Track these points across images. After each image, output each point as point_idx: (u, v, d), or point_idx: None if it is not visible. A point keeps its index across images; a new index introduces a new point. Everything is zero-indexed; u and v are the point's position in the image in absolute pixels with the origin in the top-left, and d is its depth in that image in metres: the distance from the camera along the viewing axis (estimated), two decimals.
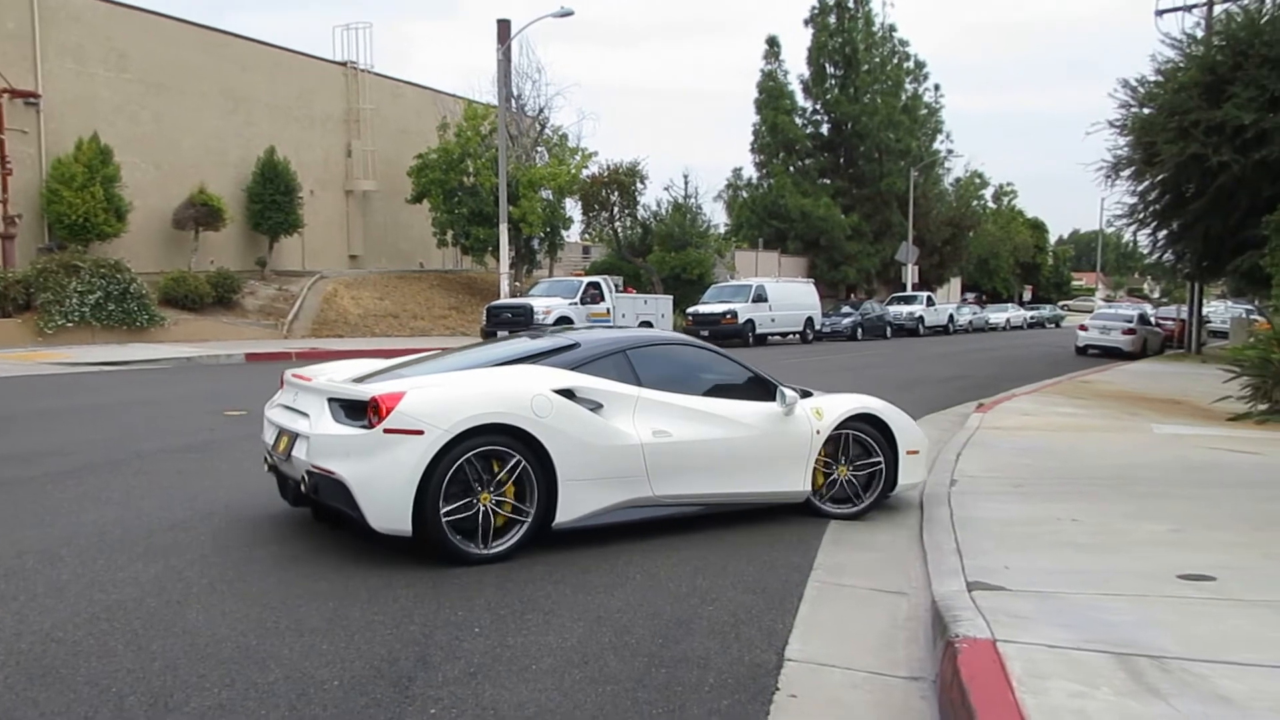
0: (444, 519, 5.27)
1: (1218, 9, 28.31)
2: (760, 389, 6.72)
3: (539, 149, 35.41)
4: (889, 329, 38.65)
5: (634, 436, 5.91)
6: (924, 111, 56.70)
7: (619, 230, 38.26)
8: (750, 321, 30.90)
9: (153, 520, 6.26)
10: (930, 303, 45.01)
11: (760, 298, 31.83)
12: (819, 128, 54.35)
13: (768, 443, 6.49)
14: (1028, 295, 74.28)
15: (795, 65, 56.36)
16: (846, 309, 39.82)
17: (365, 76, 34.57)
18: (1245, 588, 4.92)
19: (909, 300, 44.16)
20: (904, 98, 54.92)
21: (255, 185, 28.99)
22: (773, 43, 53.20)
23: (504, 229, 28.81)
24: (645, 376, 6.23)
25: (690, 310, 31.53)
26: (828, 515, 6.74)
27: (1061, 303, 77.77)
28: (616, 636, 4.41)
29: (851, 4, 53.23)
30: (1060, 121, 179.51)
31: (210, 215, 27.02)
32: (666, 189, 42.35)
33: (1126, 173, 26.34)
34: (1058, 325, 58.90)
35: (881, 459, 6.89)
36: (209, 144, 28.95)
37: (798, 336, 33.71)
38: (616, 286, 28.13)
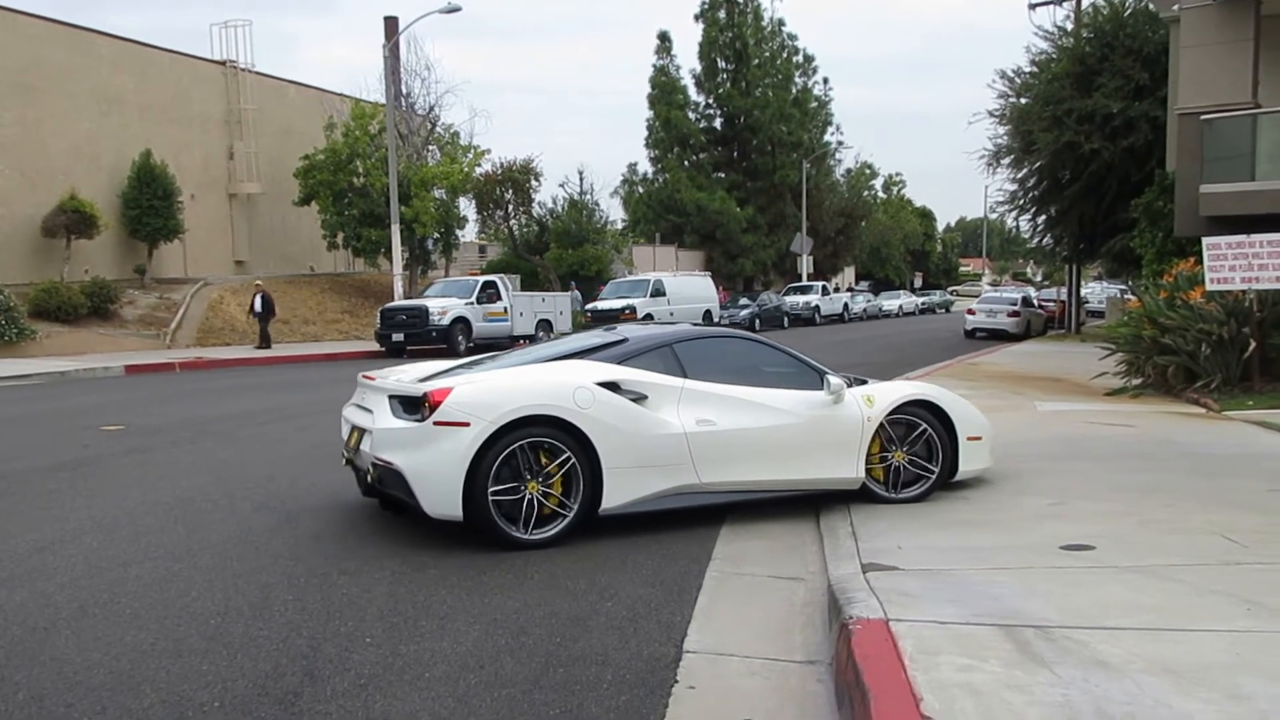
0: (493, 505, 5.57)
1: (1085, 2, 29.53)
2: (807, 378, 6.74)
3: (430, 148, 34.83)
4: (786, 319, 39.24)
5: (677, 426, 6.08)
6: (814, 104, 57.78)
7: (515, 228, 37.93)
8: (649, 316, 30.94)
9: (18, 544, 5.91)
10: (825, 292, 45.88)
11: (659, 292, 31.96)
12: (712, 122, 54.87)
13: (814, 430, 6.50)
14: (918, 282, 76.45)
15: (687, 60, 56.87)
16: (744, 300, 40.31)
17: (246, 76, 33.47)
18: (1122, 555, 5.11)
19: (805, 290, 44.94)
20: (794, 91, 55.84)
21: (131, 190, 27.78)
22: (664, 38, 53.54)
23: (396, 230, 28.26)
24: (691, 368, 6.41)
25: (589, 306, 31.46)
26: (884, 500, 6.72)
27: (950, 288, 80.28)
28: (513, 638, 4.33)
29: None
30: (945, 112, 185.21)
31: (83, 222, 25.77)
32: (562, 186, 42.09)
33: (1007, 161, 27.32)
34: (947, 310, 60.75)
35: (939, 445, 6.87)
36: (80, 148, 27.62)
37: None
38: (514, 285, 27.85)
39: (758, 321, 36.95)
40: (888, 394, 6.87)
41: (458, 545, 5.79)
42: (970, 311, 32.99)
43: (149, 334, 25.34)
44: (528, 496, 5.67)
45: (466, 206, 35.77)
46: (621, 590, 5.01)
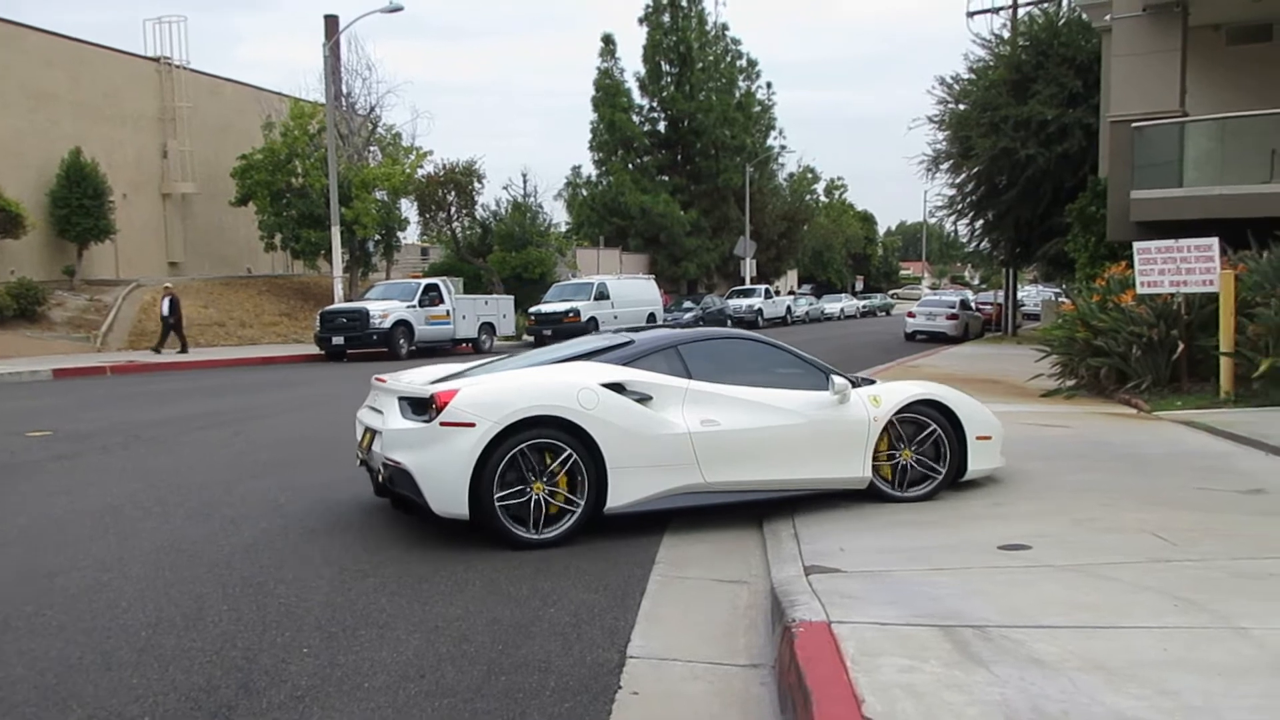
0: (498, 504, 5.68)
1: (1021, 11, 30.17)
2: (813, 378, 6.79)
3: (371, 148, 34.42)
4: (729, 322, 39.40)
5: (682, 426, 6.14)
6: (757, 108, 58.15)
7: (457, 231, 37.60)
8: (593, 319, 30.91)
9: None
10: (768, 295, 46.26)
11: (602, 295, 31.91)
12: (656, 125, 54.96)
13: (820, 430, 6.55)
14: (860, 285, 77.42)
15: (631, 63, 56.90)
16: (688, 304, 40.44)
17: (181, 73, 32.75)
18: (1058, 554, 5.20)
19: (748, 293, 45.24)
20: (738, 95, 56.15)
21: (60, 189, 27.01)
22: (608, 40, 53.47)
23: (336, 231, 27.87)
24: (696, 369, 6.48)
25: (532, 310, 31.31)
26: (893, 499, 6.76)
27: (891, 291, 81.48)
28: (455, 646, 4.27)
29: (685, 3, 54.02)
30: (886, 117, 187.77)
31: (8, 222, 24.95)
32: (505, 188, 41.91)
33: (946, 166, 27.82)
34: (888, 313, 61.62)
35: (946, 444, 6.90)
36: (7, 145, 26.77)
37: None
38: (456, 288, 27.60)
39: (702, 324, 37.10)
40: (895, 394, 6.93)
41: (399, 552, 5.72)
42: (910, 314, 33.49)
43: (79, 337, 24.66)
44: (533, 496, 5.78)
45: (408, 208, 35.41)
46: (565, 595, 4.97)
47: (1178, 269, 11.72)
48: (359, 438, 6.54)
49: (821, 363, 7.06)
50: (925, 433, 6.89)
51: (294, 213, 31.04)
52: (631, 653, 4.24)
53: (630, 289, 34.01)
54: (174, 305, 23.75)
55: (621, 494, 5.95)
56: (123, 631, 4.42)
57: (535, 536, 5.78)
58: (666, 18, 53.47)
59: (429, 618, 4.62)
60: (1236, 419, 9.86)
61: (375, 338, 23.63)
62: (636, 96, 54.39)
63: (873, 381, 7.30)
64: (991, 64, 26.58)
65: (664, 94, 53.66)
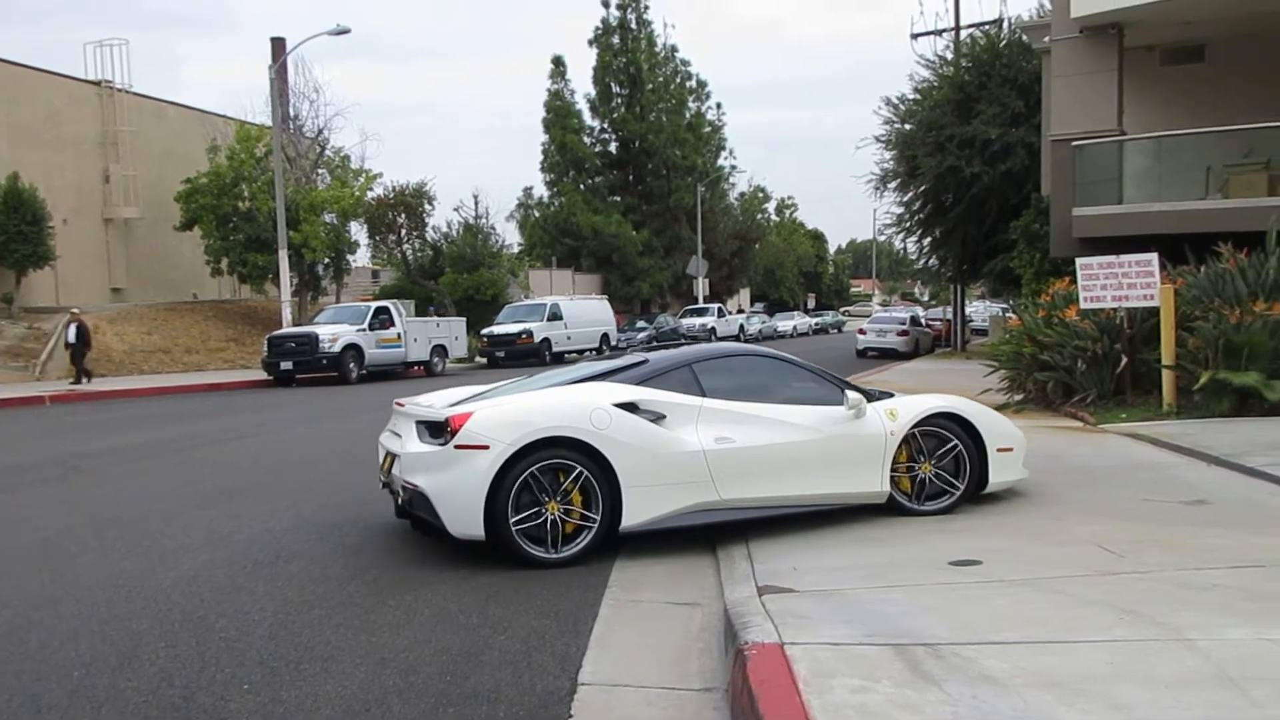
0: (514, 526, 5.74)
1: (964, 33, 30.74)
2: (828, 393, 6.80)
3: (320, 171, 34.10)
4: (684, 340, 39.53)
5: (696, 444, 6.16)
6: (708, 129, 58.60)
7: (408, 253, 37.32)
8: (546, 340, 30.85)
9: None
10: (721, 314, 46.48)
11: (555, 316, 31.84)
12: (607, 146, 55.16)
13: (835, 445, 6.55)
14: (811, 303, 78.08)
15: (582, 85, 56.92)
16: (641, 323, 40.51)
17: (123, 96, 32.22)
18: (1007, 568, 5.22)
19: (701, 312, 45.42)
20: (688, 116, 56.56)
21: None
22: (558, 62, 53.67)
23: (284, 255, 27.51)
24: (710, 387, 6.51)
25: (485, 331, 31.15)
26: (913, 513, 6.73)
27: (842, 309, 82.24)
28: (402, 678, 4.17)
29: (634, 25, 54.41)
30: (834, 137, 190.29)
31: None
32: (456, 210, 41.69)
33: (893, 184, 28.17)
34: (840, 330, 62.17)
35: (966, 457, 6.88)
36: None
37: (594, 353, 33.92)
38: (408, 310, 27.34)
39: (655, 344, 37.14)
40: (912, 407, 6.92)
41: (346, 582, 5.60)
42: (861, 331, 33.80)
43: (16, 366, 24.02)
44: (549, 516, 5.82)
45: (358, 231, 35.09)
46: (515, 622, 4.89)
47: (1119, 284, 11.93)
48: (380, 461, 6.62)
49: (837, 377, 7.08)
50: (945, 446, 6.89)
51: (241, 236, 30.62)
52: (583, 679, 4.17)
53: (583, 310, 33.98)
54: (81, 332, 22.32)
55: (636, 513, 5.98)
56: (54, 672, 4.26)
57: (551, 556, 5.82)
58: (616, 39, 53.79)
59: (376, 649, 4.52)
60: (1179, 431, 10.04)
61: (325, 362, 23.31)
62: (587, 118, 54.63)
63: (891, 395, 7.31)
64: (936, 85, 27.01)
65: (614, 115, 53.90)
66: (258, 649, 4.53)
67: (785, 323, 56.30)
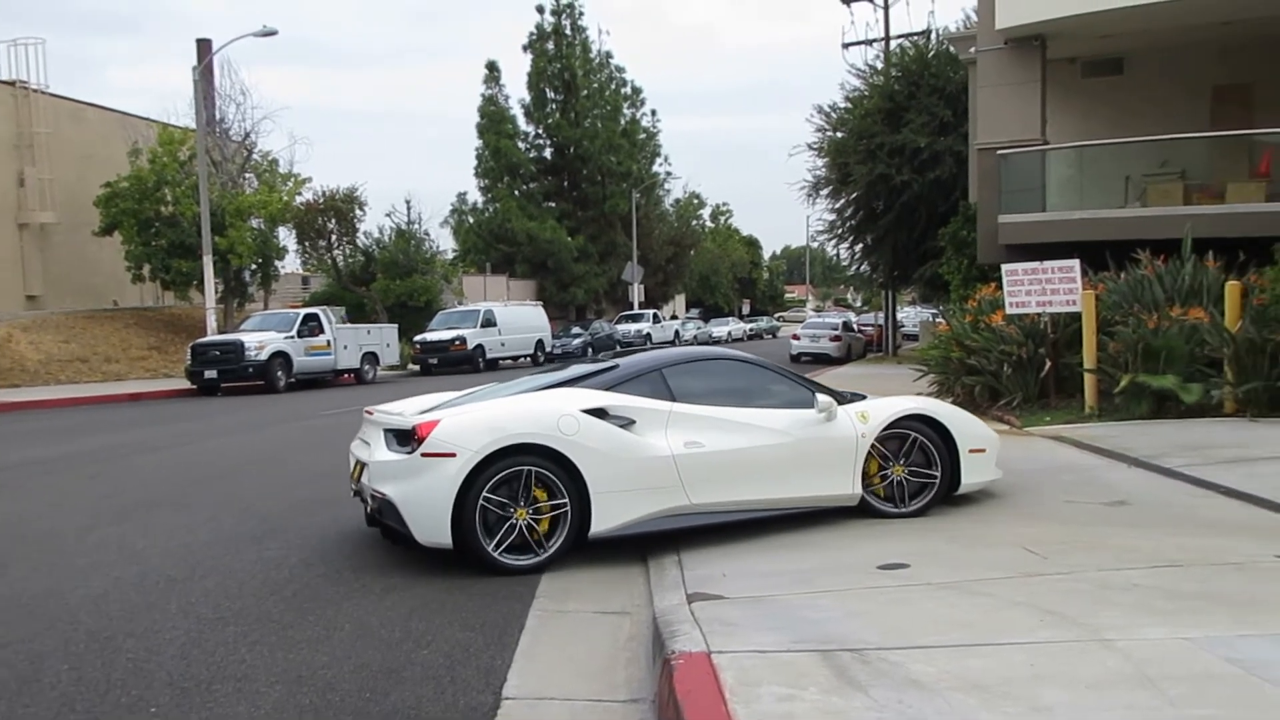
0: (481, 533, 5.71)
1: (894, 44, 31.25)
2: (799, 396, 6.79)
3: (247, 175, 33.35)
4: (619, 347, 39.51)
5: (665, 449, 6.15)
6: (643, 135, 58.64)
7: (339, 259, 36.69)
8: (480, 347, 30.56)
9: None
10: (657, 319, 46.56)
11: (489, 322, 31.57)
12: (542, 151, 54.92)
13: (806, 448, 6.55)
14: (746, 308, 78.64)
15: (516, 90, 56.53)
16: (576, 329, 40.39)
17: (39, 97, 31.16)
18: (935, 571, 5.25)
19: (636, 318, 45.45)
20: (623, 122, 56.54)
21: None
22: (492, 67, 53.28)
23: (208, 260, 26.83)
24: (680, 391, 6.50)
25: (418, 338, 30.73)
26: (886, 516, 6.74)
27: (777, 314, 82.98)
28: (319, 696, 4.03)
29: (569, 31, 54.27)
30: (768, 144, 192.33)
31: None
32: (389, 215, 41.04)
33: (825, 191, 28.50)
34: (774, 335, 62.70)
35: (938, 458, 6.89)
36: None
37: (529, 359, 33.73)
38: (338, 317, 26.84)
39: (590, 350, 37.04)
40: (884, 410, 6.93)
41: (264, 598, 5.42)
42: (795, 337, 34.10)
43: None
44: (516, 523, 5.80)
45: (286, 236, 34.36)
46: (439, 636, 4.77)
47: (1043, 290, 12.18)
48: (351, 469, 6.57)
49: (807, 380, 7.07)
50: (916, 448, 6.92)
51: (164, 242, 29.78)
52: (507, 693, 4.08)
53: (518, 316, 33.76)
54: None
55: (605, 518, 5.95)
56: None
57: (519, 563, 5.80)
58: (550, 45, 53.60)
59: (292, 667, 4.37)
60: (1100, 433, 10.26)
61: (251, 370, 22.77)
62: (522, 123, 54.30)
63: (863, 397, 7.31)
64: (866, 94, 27.40)
65: (549, 121, 53.69)
66: (168, 669, 4.35)
67: (720, 328, 56.60)
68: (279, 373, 23.28)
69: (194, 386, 23.01)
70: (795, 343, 33.28)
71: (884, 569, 5.37)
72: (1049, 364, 12.60)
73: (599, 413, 6.10)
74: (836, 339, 32.52)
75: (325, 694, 4.06)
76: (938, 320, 22.02)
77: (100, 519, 7.77)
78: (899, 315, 39.01)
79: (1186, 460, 8.30)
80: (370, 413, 6.56)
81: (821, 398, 6.70)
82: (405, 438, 5.92)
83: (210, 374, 22.65)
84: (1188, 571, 5.08)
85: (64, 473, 10.43)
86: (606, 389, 6.37)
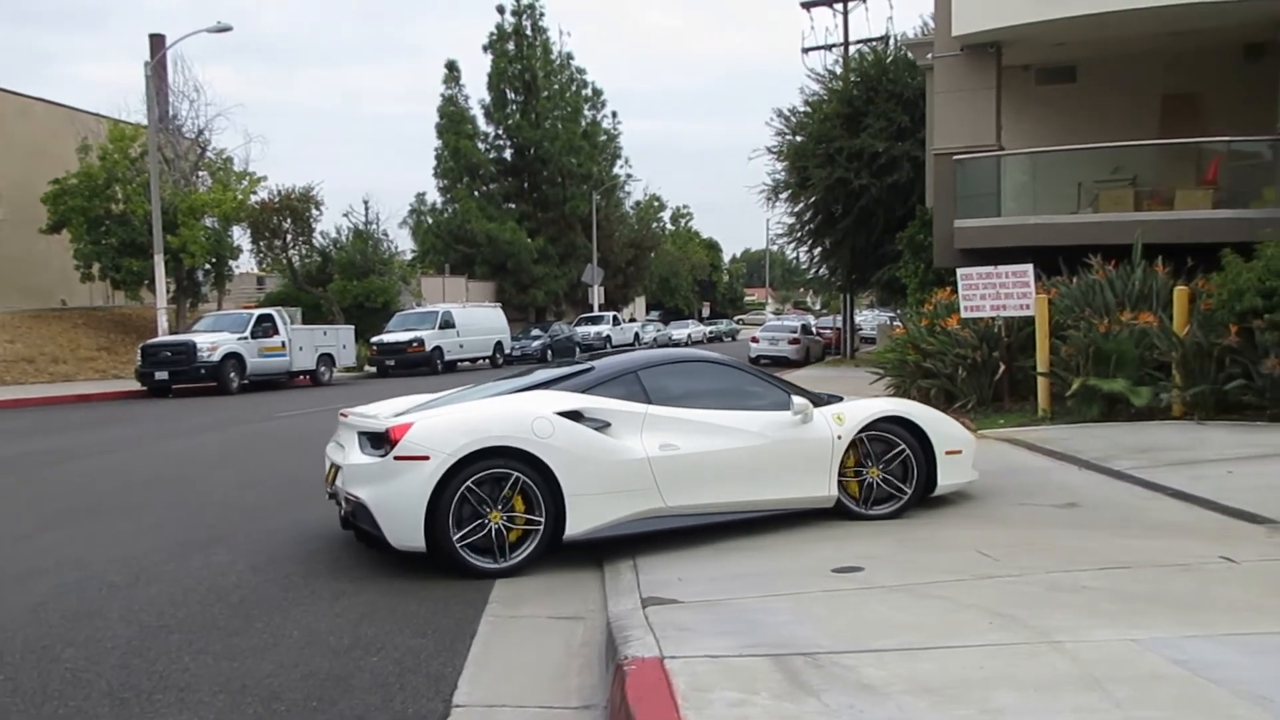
0: (455, 536, 5.67)
1: (852, 49, 31.49)
2: (775, 398, 6.78)
3: (200, 173, 32.80)
4: (579, 349, 39.36)
5: (640, 451, 6.14)
6: (603, 137, 58.61)
7: (294, 259, 36.21)
8: (438, 348, 30.33)
9: None
10: (616, 322, 46.50)
11: (448, 324, 31.33)
12: (502, 152, 54.65)
13: (782, 450, 6.54)
14: (706, 311, 78.81)
15: (476, 90, 56.06)
16: (536, 331, 40.23)
17: None
18: (888, 575, 5.27)
19: (596, 320, 45.36)
20: (584, 124, 56.47)
21: None
22: (452, 67, 52.97)
23: (159, 259, 26.34)
24: (656, 394, 6.48)
25: (375, 340, 30.41)
26: (861, 518, 6.73)
27: (737, 317, 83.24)
28: (264, 705, 3.95)
29: (529, 32, 54.09)
30: (729, 147, 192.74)
31: None
32: (346, 215, 40.60)
33: (785, 195, 28.62)
34: (734, 338, 62.88)
35: (914, 460, 6.87)
36: None
37: (488, 361, 33.54)
38: (293, 318, 26.48)
39: (550, 352, 36.93)
40: (859, 411, 6.92)
41: (209, 605, 5.31)
42: (754, 339, 34.24)
43: None
44: (491, 526, 5.77)
45: (241, 236, 33.84)
46: (389, 643, 4.70)
47: (997, 294, 12.32)
48: (327, 471, 6.50)
49: (784, 382, 7.07)
50: (893, 450, 6.92)
51: (114, 241, 29.20)
52: (458, 701, 4.02)
53: (476, 317, 33.55)
54: None
55: (580, 521, 5.93)
56: None
57: (493, 566, 5.77)
58: (511, 46, 53.39)
59: (237, 676, 4.27)
60: (1053, 435, 10.38)
61: (203, 371, 22.39)
62: (482, 124, 54.03)
63: (840, 399, 7.31)
64: (826, 98, 27.55)
65: (509, 121, 53.46)
66: (108, 679, 4.24)
67: (680, 331, 56.64)
68: (232, 374, 22.93)
69: (144, 388, 22.57)
70: (754, 345, 33.42)
71: (838, 572, 5.38)
72: (1003, 367, 12.74)
73: (574, 415, 6.08)
74: (795, 342, 32.71)
75: (270, 703, 3.98)
76: (895, 323, 22.23)
77: (43, 524, 7.58)
78: (857, 318, 39.32)
79: (1135, 463, 8.42)
80: (345, 415, 6.51)
81: (797, 400, 6.71)
82: (379, 441, 5.89)
83: (161, 375, 22.24)
84: (1135, 573, 5.15)
85: (6, 476, 10.17)
86: (582, 391, 6.37)
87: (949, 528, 6.50)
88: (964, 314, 12.88)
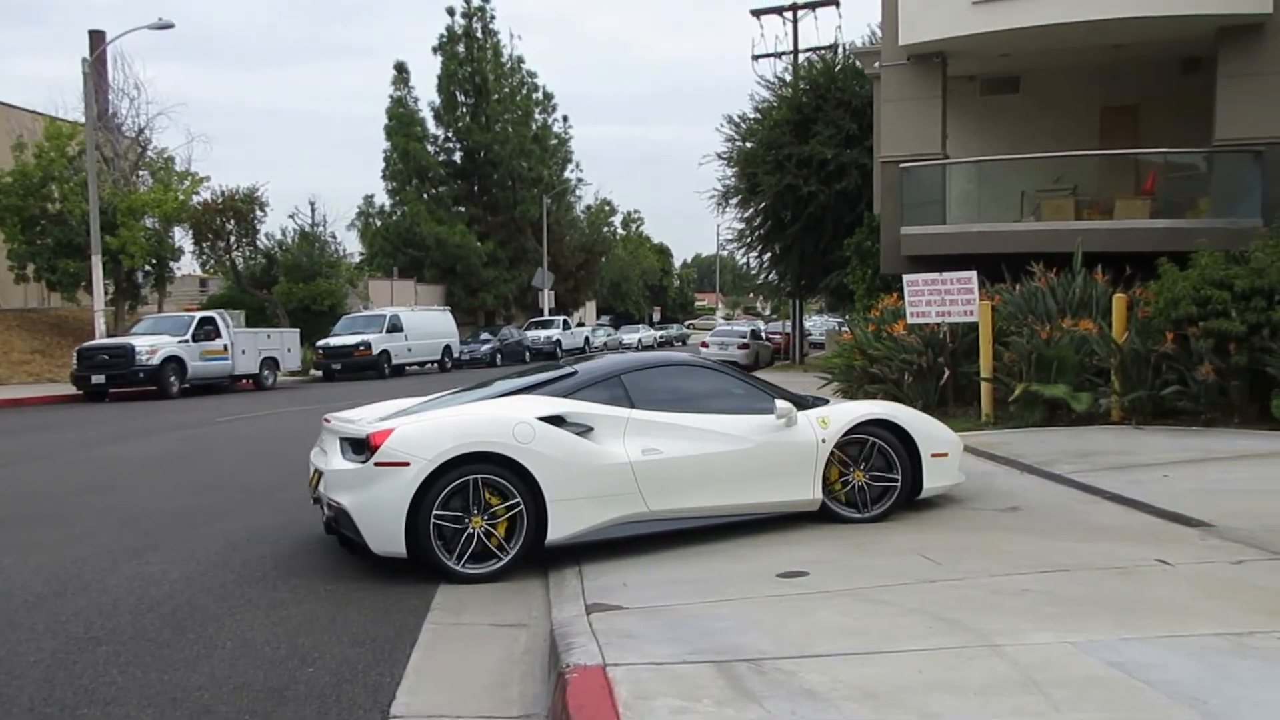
0: (436, 541, 5.67)
1: (802, 57, 31.73)
2: (759, 401, 6.75)
3: (141, 173, 32.11)
4: (528, 353, 39.20)
5: (623, 455, 6.12)
6: (554, 141, 58.46)
7: (238, 261, 35.56)
8: (385, 352, 29.97)
9: None
10: (567, 326, 46.34)
11: (395, 328, 30.96)
12: (452, 155, 54.22)
13: (765, 454, 6.53)
14: (657, 316, 78.98)
15: (426, 92, 55.77)
16: (485, 335, 39.95)
17: None
18: (833, 579, 5.27)
19: (546, 324, 45.16)
20: (534, 127, 56.27)
21: None
22: (401, 69, 52.47)
23: (97, 260, 25.69)
24: (639, 398, 6.46)
25: (320, 343, 29.95)
26: (847, 521, 6.71)
27: (687, 322, 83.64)
28: (194, 719, 3.83)
29: (480, 34, 53.78)
30: (679, 153, 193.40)
31: None
32: (292, 216, 39.98)
33: (735, 201, 28.72)
34: (684, 343, 63.06)
35: (900, 463, 6.84)
36: None
37: (436, 365, 33.23)
38: (236, 321, 25.98)
39: (500, 356, 36.70)
40: (844, 414, 6.91)
41: (140, 615, 5.15)
42: (704, 344, 34.36)
43: None
44: (472, 531, 5.74)
45: (183, 237, 33.15)
46: (327, 653, 4.59)
47: (942, 300, 12.46)
48: (310, 477, 6.48)
49: (767, 385, 7.04)
50: (878, 453, 6.91)
51: (50, 240, 28.43)
52: (395, 711, 3.94)
53: (425, 321, 33.21)
54: None
55: (562, 526, 5.90)
56: None
57: (475, 571, 5.74)
58: (461, 48, 53.02)
59: (167, 688, 4.14)
60: (996, 440, 10.52)
61: (142, 375, 21.87)
62: (431, 126, 53.55)
63: (826, 401, 7.29)
64: (775, 105, 27.73)
65: (459, 124, 53.07)
66: (29, 694, 4.09)
67: (630, 335, 56.71)
68: (172, 378, 22.43)
69: (81, 392, 21.99)
70: (704, 350, 33.49)
71: (784, 577, 5.38)
72: (948, 373, 12.89)
73: (556, 420, 6.06)
74: (745, 347, 32.88)
75: (201, 717, 3.86)
76: (842, 329, 22.40)
77: None
78: (806, 324, 39.60)
79: (1075, 467, 8.55)
80: (328, 420, 6.48)
81: (781, 403, 6.70)
82: (360, 446, 5.86)
83: (98, 379, 21.67)
84: (1074, 576, 5.21)
85: None
86: (564, 396, 6.34)
87: (894, 532, 6.53)
88: (910, 320, 13.01)
